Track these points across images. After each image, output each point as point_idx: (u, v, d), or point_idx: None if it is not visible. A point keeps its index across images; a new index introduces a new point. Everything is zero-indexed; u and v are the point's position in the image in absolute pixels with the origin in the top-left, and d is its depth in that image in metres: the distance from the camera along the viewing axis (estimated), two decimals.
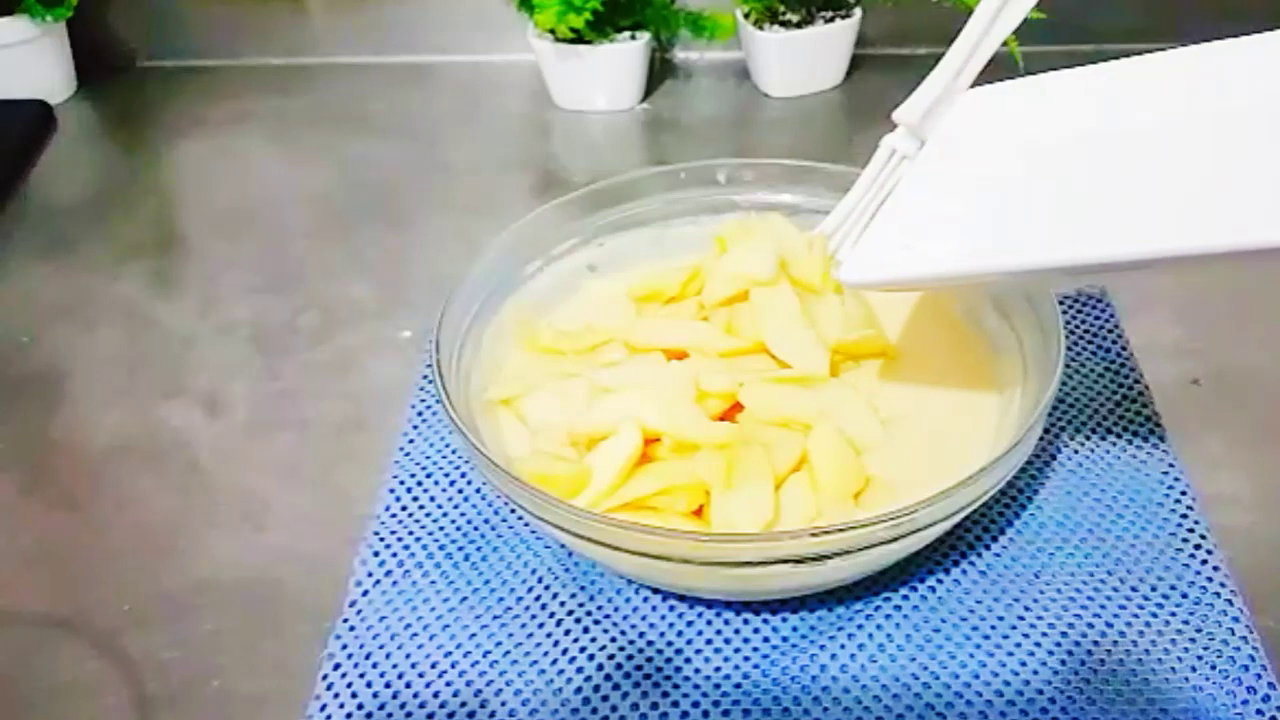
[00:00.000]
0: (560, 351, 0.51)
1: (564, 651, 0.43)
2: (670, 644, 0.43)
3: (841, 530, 0.37)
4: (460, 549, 0.47)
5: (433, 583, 0.46)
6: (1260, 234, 0.34)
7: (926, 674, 0.41)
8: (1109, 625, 0.42)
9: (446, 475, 0.50)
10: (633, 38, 0.79)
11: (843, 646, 0.42)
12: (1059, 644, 0.42)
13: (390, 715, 0.41)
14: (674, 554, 0.39)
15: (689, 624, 0.44)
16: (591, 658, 0.42)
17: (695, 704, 0.41)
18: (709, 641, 0.43)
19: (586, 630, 0.43)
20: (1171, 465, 0.49)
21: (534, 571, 0.46)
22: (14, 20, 0.81)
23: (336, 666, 0.43)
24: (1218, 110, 0.40)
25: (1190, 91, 0.42)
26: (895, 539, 0.39)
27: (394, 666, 0.43)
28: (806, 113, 0.80)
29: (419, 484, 0.50)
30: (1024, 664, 0.41)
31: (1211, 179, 0.38)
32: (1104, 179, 0.41)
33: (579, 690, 0.41)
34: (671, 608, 0.44)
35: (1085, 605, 0.43)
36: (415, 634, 0.44)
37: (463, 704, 0.41)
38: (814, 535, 0.37)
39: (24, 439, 0.57)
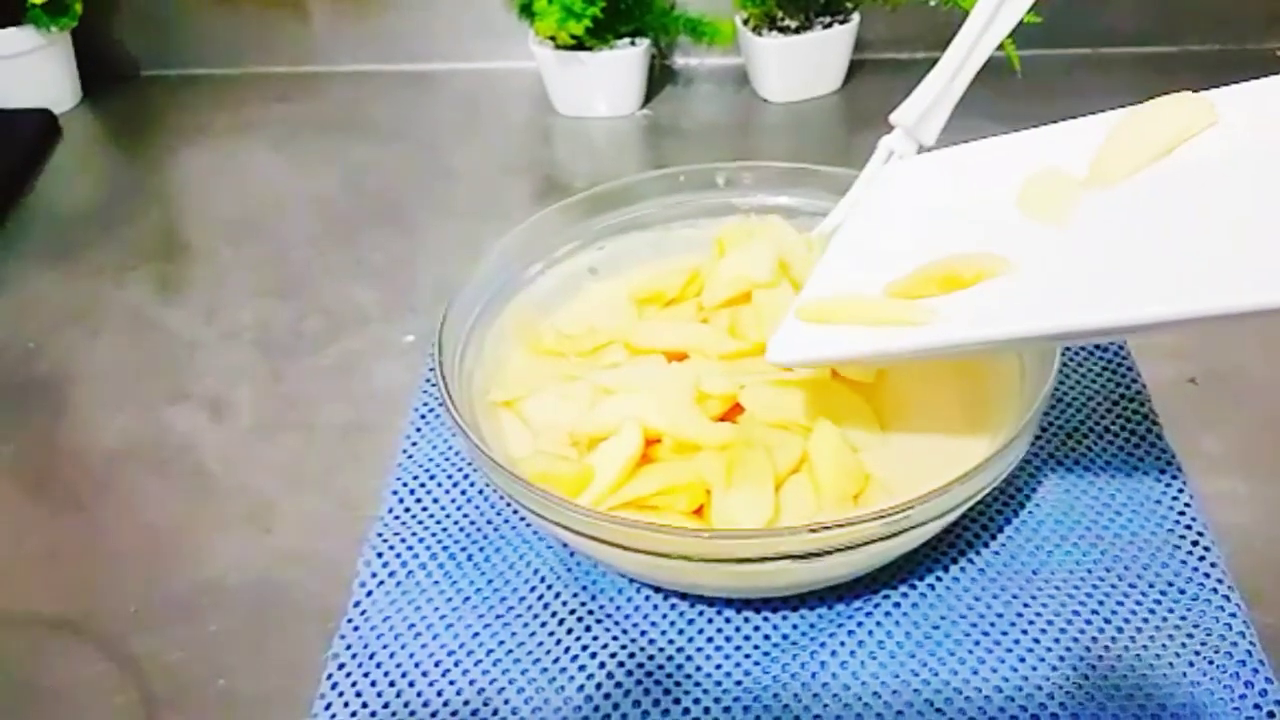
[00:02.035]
0: (562, 353, 0.51)
1: (566, 650, 0.43)
2: (672, 642, 0.43)
3: (840, 526, 0.38)
4: (463, 549, 0.48)
5: (436, 583, 0.46)
6: (1211, 300, 0.33)
7: (926, 670, 0.42)
8: (1107, 622, 0.43)
9: (449, 477, 0.51)
10: (632, 44, 0.79)
11: (843, 644, 0.43)
12: (1057, 641, 0.42)
13: (395, 714, 0.42)
14: (675, 551, 0.39)
15: (690, 622, 0.44)
16: (594, 656, 0.43)
17: (696, 700, 0.41)
18: (710, 640, 0.43)
19: (589, 629, 0.44)
20: (1169, 463, 0.49)
21: (536, 571, 0.46)
22: (20, 30, 0.82)
23: (341, 666, 0.43)
24: (1152, 174, 0.40)
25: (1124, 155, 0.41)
26: (893, 535, 0.39)
27: (398, 666, 0.43)
28: (805, 117, 0.81)
29: (422, 485, 0.51)
30: (1023, 660, 0.42)
31: (1145, 245, 0.37)
32: (1033, 248, 0.40)
33: (581, 688, 0.42)
34: (673, 606, 0.45)
35: (1083, 602, 0.43)
36: (419, 633, 0.44)
37: (466, 702, 0.42)
38: (813, 531, 0.38)
39: (31, 443, 0.57)
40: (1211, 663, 0.41)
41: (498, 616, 0.45)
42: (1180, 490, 0.48)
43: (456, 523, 0.49)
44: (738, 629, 0.44)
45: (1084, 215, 0.40)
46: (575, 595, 0.45)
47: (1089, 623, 0.43)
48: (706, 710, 0.41)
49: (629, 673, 0.42)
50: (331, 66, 0.90)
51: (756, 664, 0.42)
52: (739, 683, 0.42)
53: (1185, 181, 0.39)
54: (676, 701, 0.41)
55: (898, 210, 0.47)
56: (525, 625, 0.44)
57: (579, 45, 0.78)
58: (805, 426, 0.45)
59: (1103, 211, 0.40)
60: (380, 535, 0.48)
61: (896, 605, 0.44)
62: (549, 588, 0.46)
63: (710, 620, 0.44)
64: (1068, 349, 0.55)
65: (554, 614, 0.45)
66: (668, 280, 0.53)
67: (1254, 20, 0.82)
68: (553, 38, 0.77)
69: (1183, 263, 0.35)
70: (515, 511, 0.49)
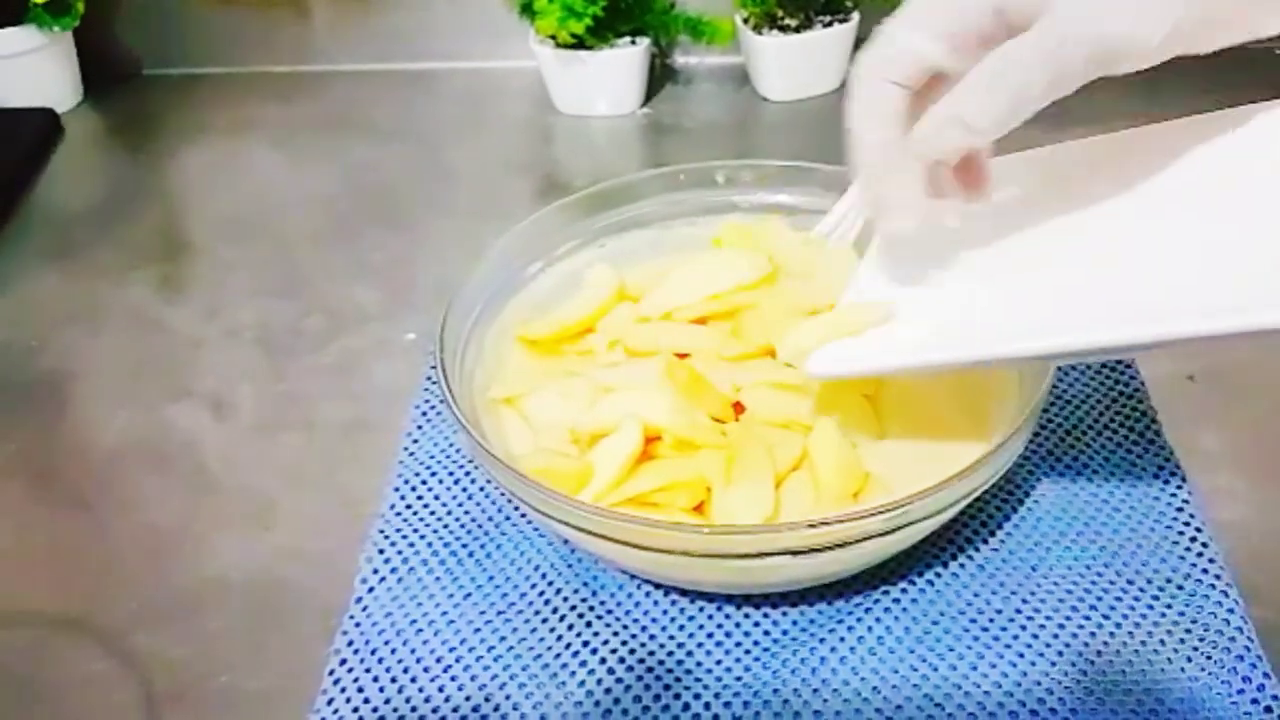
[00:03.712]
0: (562, 352, 0.51)
1: (567, 646, 0.43)
2: (672, 638, 0.43)
3: (839, 522, 0.38)
4: (464, 546, 0.48)
5: (437, 579, 0.46)
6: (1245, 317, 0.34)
7: (925, 666, 0.42)
8: (1105, 618, 0.43)
9: (450, 474, 0.51)
10: (633, 43, 0.79)
11: (842, 639, 0.43)
12: (1056, 636, 0.42)
13: (397, 710, 0.42)
14: (675, 547, 0.39)
15: (690, 618, 0.44)
16: (595, 652, 0.43)
17: (697, 696, 0.41)
18: (710, 635, 0.44)
19: (589, 625, 0.44)
20: (1167, 460, 0.49)
21: (537, 568, 0.47)
22: (21, 29, 0.82)
23: (344, 662, 0.44)
24: (1176, 188, 0.41)
25: (1143, 172, 0.42)
26: (892, 531, 0.39)
27: (400, 662, 0.43)
28: (805, 116, 0.81)
29: (423, 483, 0.51)
30: (1021, 656, 0.42)
31: (1170, 261, 0.38)
32: (1056, 262, 0.41)
33: (582, 684, 0.42)
34: (673, 602, 0.45)
35: (1082, 598, 0.44)
36: (421, 630, 0.44)
37: (468, 698, 0.42)
38: (812, 527, 0.38)
39: (33, 442, 0.57)
40: (1210, 658, 0.41)
41: (499, 613, 0.45)
42: (1179, 487, 0.48)
43: (458, 519, 0.49)
44: (738, 625, 0.44)
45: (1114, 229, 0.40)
46: (576, 591, 0.45)
47: (1088, 618, 0.43)
48: (707, 706, 0.41)
49: (630, 668, 0.42)
50: (332, 66, 0.91)
51: (757, 660, 0.43)
52: (739, 678, 0.42)
53: (1174, 203, 0.39)
54: (677, 697, 0.41)
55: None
56: (526, 621, 0.44)
57: (579, 44, 0.78)
58: (805, 425, 0.45)
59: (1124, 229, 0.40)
60: (382, 532, 0.49)
61: (896, 601, 0.44)
62: (550, 584, 0.46)
63: (711, 616, 0.44)
64: None
65: (555, 610, 0.45)
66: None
67: None
68: (553, 37, 0.77)
69: (1190, 283, 0.36)
70: (516, 508, 0.49)
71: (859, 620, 0.43)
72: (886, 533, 0.39)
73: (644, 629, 0.44)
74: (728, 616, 0.44)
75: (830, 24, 0.80)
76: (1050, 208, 0.43)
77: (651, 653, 0.43)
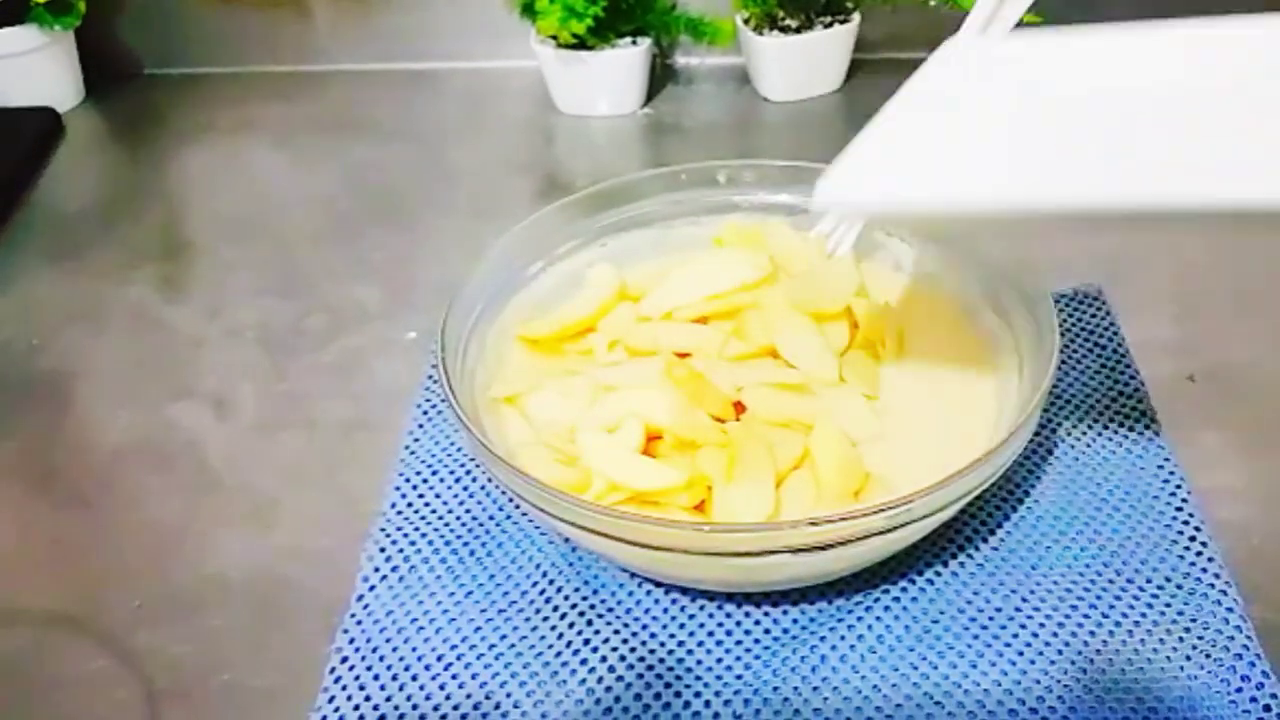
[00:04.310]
0: (563, 351, 0.51)
1: (568, 644, 0.43)
2: (673, 636, 0.44)
3: (840, 520, 0.38)
4: (465, 544, 0.48)
5: (438, 578, 0.46)
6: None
7: (925, 664, 0.42)
8: (1105, 617, 0.43)
9: (451, 472, 0.51)
10: (634, 43, 0.80)
11: (843, 638, 0.43)
12: (1055, 635, 0.42)
13: (398, 708, 0.42)
14: (675, 545, 0.39)
15: (691, 617, 0.44)
16: (595, 650, 0.43)
17: (697, 694, 0.41)
18: (711, 634, 0.44)
19: (590, 623, 0.44)
20: (1167, 460, 0.49)
21: (538, 566, 0.47)
22: (23, 29, 0.82)
23: (344, 660, 0.44)
24: (1235, 78, 0.39)
25: (1205, 59, 0.39)
26: (892, 529, 0.39)
27: (401, 660, 0.43)
28: (806, 117, 0.81)
29: (424, 481, 0.51)
30: (1021, 654, 0.42)
31: (1217, 142, 0.35)
32: (1093, 129, 0.38)
33: (583, 682, 0.42)
34: (674, 601, 0.45)
35: (1081, 597, 0.44)
36: (422, 628, 0.44)
37: (468, 696, 0.42)
38: (812, 525, 0.38)
39: (35, 441, 0.57)
40: (1209, 656, 0.41)
41: (500, 611, 0.45)
42: (1178, 486, 0.48)
43: (459, 518, 0.49)
44: (738, 623, 0.44)
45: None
46: (577, 590, 0.45)
47: (1087, 617, 0.43)
48: (707, 704, 0.41)
49: (630, 667, 0.42)
50: (333, 65, 0.91)
51: (757, 658, 0.43)
52: (740, 677, 0.42)
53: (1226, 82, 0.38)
54: (678, 695, 0.41)
55: (973, 83, 0.42)
56: (527, 620, 0.45)
57: (580, 44, 0.78)
58: (806, 424, 0.46)
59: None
60: (383, 530, 0.49)
61: (896, 600, 0.44)
62: (551, 583, 0.46)
63: (711, 615, 0.44)
64: (1067, 345, 0.55)
65: (556, 609, 0.45)
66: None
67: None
68: (554, 37, 0.77)
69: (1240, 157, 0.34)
70: (517, 507, 0.49)
71: (859, 619, 0.44)
72: (887, 531, 0.39)
73: (645, 627, 0.44)
74: (728, 615, 0.44)
75: (830, 25, 0.80)
76: (1090, 76, 0.42)
77: (652, 651, 0.43)
